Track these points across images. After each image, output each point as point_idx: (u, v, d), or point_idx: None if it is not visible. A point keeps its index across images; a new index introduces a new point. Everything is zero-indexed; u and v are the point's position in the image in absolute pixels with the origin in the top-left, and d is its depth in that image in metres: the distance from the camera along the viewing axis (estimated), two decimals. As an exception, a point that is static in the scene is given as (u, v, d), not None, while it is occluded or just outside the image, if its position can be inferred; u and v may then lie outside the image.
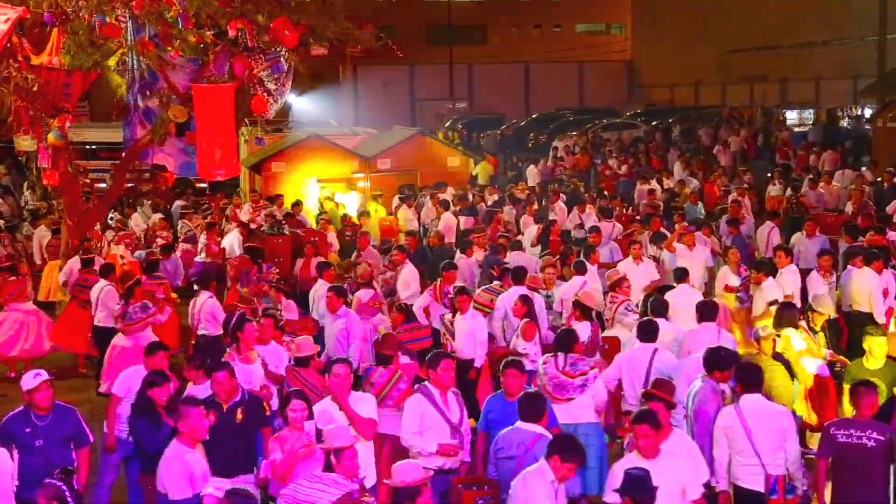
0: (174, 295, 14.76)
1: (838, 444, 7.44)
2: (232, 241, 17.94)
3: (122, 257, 16.25)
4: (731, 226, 16.57)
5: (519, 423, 7.50)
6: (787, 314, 10.54)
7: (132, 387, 8.90)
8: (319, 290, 12.79)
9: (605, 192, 22.99)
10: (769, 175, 25.16)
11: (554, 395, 8.79)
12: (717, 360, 8.21)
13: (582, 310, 11.04)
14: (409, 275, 13.89)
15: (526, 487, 6.64)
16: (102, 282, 13.54)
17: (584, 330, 10.66)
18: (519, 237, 17.19)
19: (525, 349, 10.97)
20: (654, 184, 23.77)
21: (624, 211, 20.03)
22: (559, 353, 9.06)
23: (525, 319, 11.22)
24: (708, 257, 14.87)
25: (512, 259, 14.69)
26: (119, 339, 11.73)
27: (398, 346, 9.58)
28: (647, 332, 9.78)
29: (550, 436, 7.26)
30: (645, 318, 10.26)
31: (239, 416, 8.00)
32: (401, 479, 6.20)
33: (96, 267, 14.31)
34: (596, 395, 9.04)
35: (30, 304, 14.33)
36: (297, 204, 21.02)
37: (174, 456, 6.99)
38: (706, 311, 10.46)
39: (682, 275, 12.56)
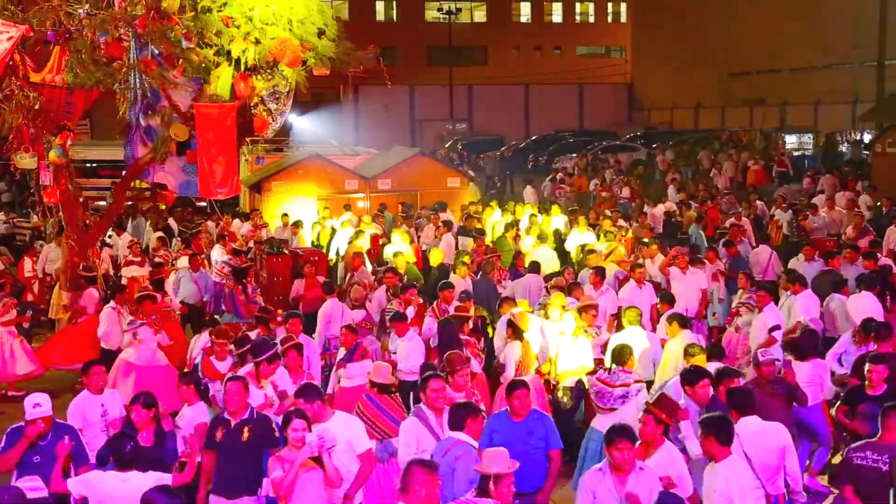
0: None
1: (854, 466, 7.33)
2: (216, 258, 17.87)
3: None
4: (727, 247, 16.54)
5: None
6: (810, 342, 10.55)
7: (85, 414, 8.90)
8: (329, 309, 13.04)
9: (607, 214, 22.97)
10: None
11: (597, 403, 9.04)
12: (687, 377, 8.59)
13: (514, 329, 10.90)
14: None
15: None
16: (111, 303, 13.47)
17: (515, 350, 10.69)
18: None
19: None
20: (648, 208, 23.72)
21: (623, 234, 20.02)
22: (613, 366, 9.35)
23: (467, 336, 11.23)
24: (702, 280, 14.69)
25: (524, 282, 15.02)
26: (125, 354, 11.72)
27: (465, 362, 9.56)
28: (713, 352, 10.06)
29: (473, 444, 7.31)
30: (714, 341, 10.46)
31: (245, 434, 7.96)
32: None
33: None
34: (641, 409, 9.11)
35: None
36: (296, 224, 21.03)
37: None
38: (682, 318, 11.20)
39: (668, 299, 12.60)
